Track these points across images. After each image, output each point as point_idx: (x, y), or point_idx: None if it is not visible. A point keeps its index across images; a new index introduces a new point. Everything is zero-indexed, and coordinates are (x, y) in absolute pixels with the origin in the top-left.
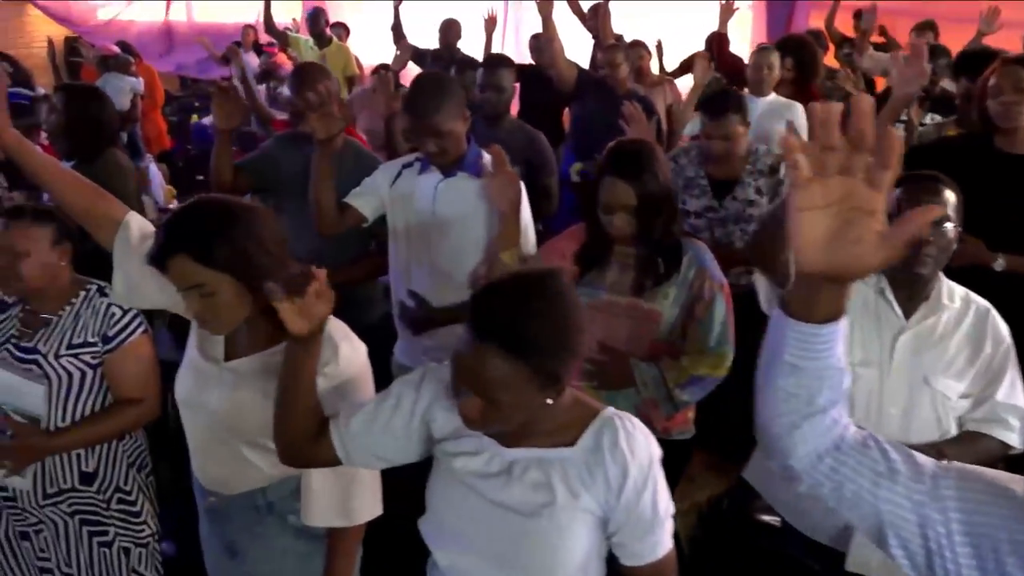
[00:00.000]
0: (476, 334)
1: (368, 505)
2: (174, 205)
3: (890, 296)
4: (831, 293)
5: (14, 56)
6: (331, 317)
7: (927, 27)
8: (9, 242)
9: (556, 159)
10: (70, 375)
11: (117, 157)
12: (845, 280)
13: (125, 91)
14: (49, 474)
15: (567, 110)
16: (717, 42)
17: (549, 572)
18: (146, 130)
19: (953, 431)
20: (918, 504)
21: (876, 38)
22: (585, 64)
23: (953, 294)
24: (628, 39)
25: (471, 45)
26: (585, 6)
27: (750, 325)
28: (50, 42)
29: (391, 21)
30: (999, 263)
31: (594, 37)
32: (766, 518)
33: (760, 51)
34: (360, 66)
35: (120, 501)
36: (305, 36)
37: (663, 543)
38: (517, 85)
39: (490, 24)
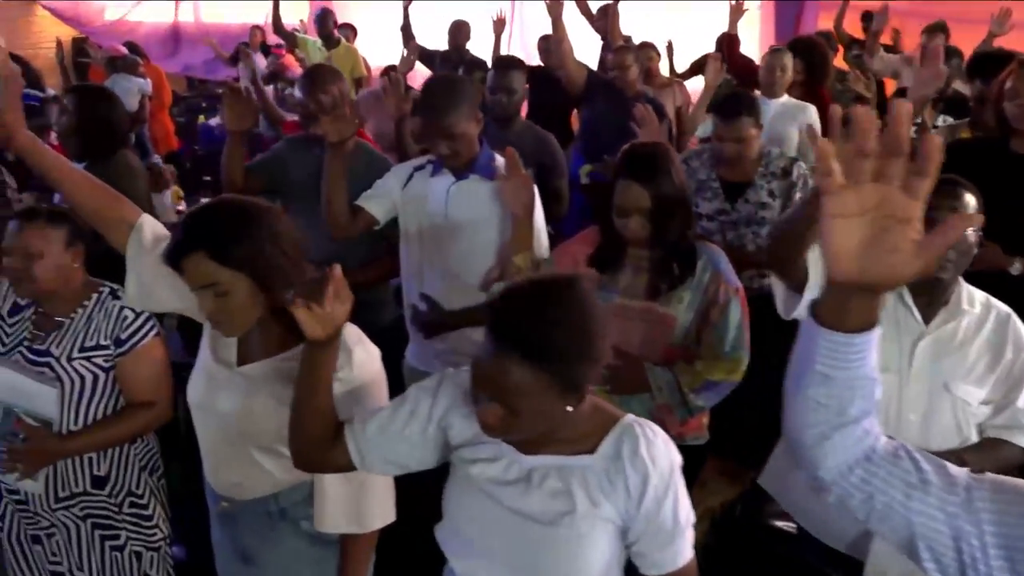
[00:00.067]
0: (497, 342)
1: (381, 511)
2: (181, 207)
3: (909, 301)
4: (864, 302)
5: (24, 57)
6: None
7: (938, 29)
8: (23, 243)
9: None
10: (82, 378)
11: (128, 158)
12: (879, 290)
13: (133, 92)
14: (61, 477)
15: (576, 112)
16: (728, 43)
17: None
18: (153, 131)
19: (973, 438)
20: (952, 516)
21: (884, 39)
22: (593, 66)
23: (973, 299)
24: (637, 40)
25: (478, 46)
26: (593, 7)
27: (763, 329)
28: (59, 43)
29: (398, 22)
30: (1016, 267)
31: (603, 38)
32: (780, 524)
33: (773, 53)
34: (368, 67)
35: (132, 505)
36: (313, 37)
37: (684, 552)
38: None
39: (499, 26)
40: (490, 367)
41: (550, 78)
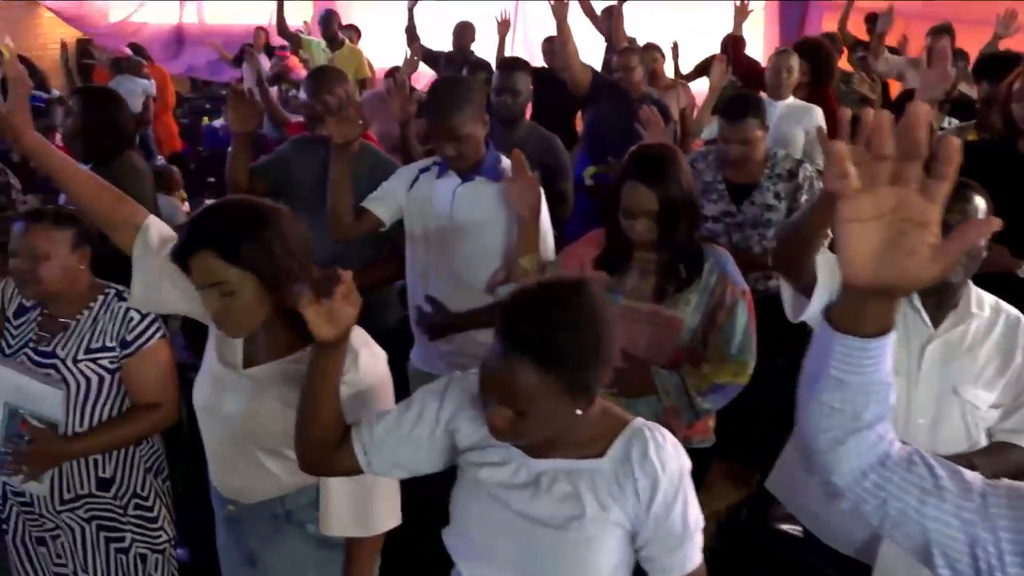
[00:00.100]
0: (507, 346)
1: (387, 515)
2: (185, 208)
3: (918, 304)
4: (880, 306)
5: (29, 58)
6: None
7: (943, 31)
8: (29, 245)
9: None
10: (88, 380)
11: (133, 160)
12: (895, 294)
13: (137, 93)
14: (66, 479)
15: (580, 114)
16: (733, 45)
17: None
18: (157, 132)
19: (982, 442)
20: (967, 523)
21: (889, 42)
22: (597, 67)
23: (983, 302)
24: (641, 42)
25: (482, 47)
26: (597, 8)
27: (769, 331)
28: (63, 45)
29: (402, 23)
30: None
31: (607, 40)
32: (786, 527)
33: (779, 54)
34: (372, 69)
35: (137, 507)
36: (317, 39)
37: (693, 557)
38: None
39: (503, 27)
40: (499, 370)
41: (554, 80)
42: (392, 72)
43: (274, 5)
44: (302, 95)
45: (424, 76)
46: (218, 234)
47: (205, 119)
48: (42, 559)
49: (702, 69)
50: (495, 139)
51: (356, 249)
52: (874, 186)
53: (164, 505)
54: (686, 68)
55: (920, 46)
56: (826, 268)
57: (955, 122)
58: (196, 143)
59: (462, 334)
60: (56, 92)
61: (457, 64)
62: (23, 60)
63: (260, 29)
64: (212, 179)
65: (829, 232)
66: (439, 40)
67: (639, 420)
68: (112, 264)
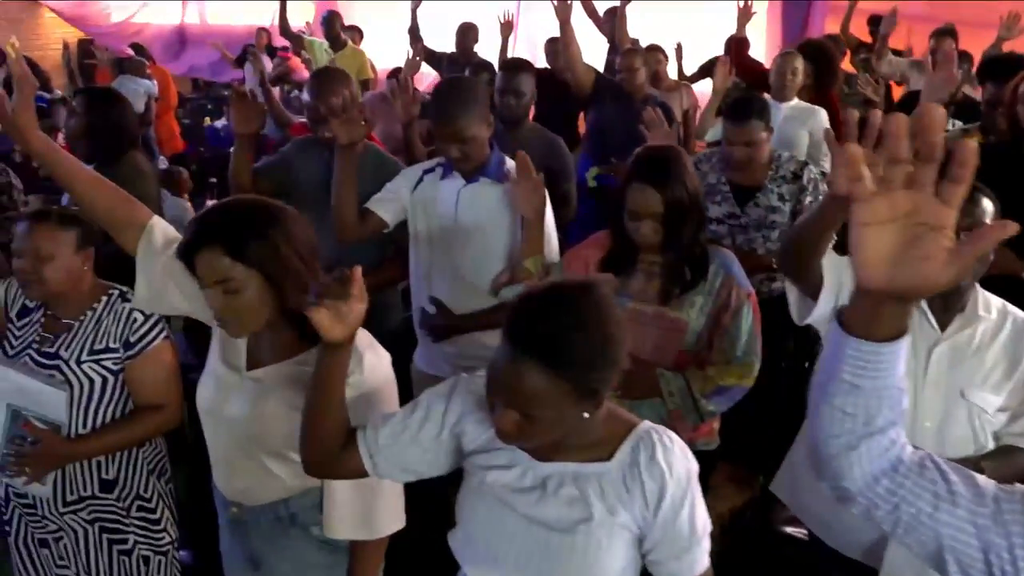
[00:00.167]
0: (514, 348)
1: (391, 517)
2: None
3: (925, 307)
4: (894, 311)
5: (32, 59)
6: None
7: (947, 33)
8: (33, 245)
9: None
10: (91, 381)
11: (137, 160)
12: (909, 298)
13: (139, 94)
14: (69, 481)
15: (583, 115)
16: (736, 47)
17: None
18: (159, 133)
19: (989, 445)
20: (981, 528)
21: (892, 45)
22: (599, 68)
23: (989, 305)
24: (644, 43)
25: (485, 48)
26: (600, 9)
27: (774, 333)
28: (65, 46)
29: (405, 24)
30: None
31: (610, 41)
32: (791, 530)
33: (784, 56)
34: (374, 70)
35: (140, 509)
36: (319, 39)
37: (700, 561)
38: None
39: (506, 28)
40: (507, 373)
41: (557, 81)
42: (394, 73)
43: (276, 6)
44: (304, 96)
45: (426, 77)
46: (226, 231)
47: (207, 120)
48: (45, 561)
49: (705, 71)
50: (498, 140)
51: (359, 250)
52: (889, 190)
53: (167, 507)
54: (689, 69)
55: (923, 48)
56: (832, 270)
57: (959, 124)
58: (198, 144)
59: (466, 336)
60: (59, 92)
61: (460, 65)
62: (26, 60)
63: (262, 30)
64: (214, 180)
65: (834, 235)
66: (442, 41)
67: (646, 423)
68: (116, 264)
